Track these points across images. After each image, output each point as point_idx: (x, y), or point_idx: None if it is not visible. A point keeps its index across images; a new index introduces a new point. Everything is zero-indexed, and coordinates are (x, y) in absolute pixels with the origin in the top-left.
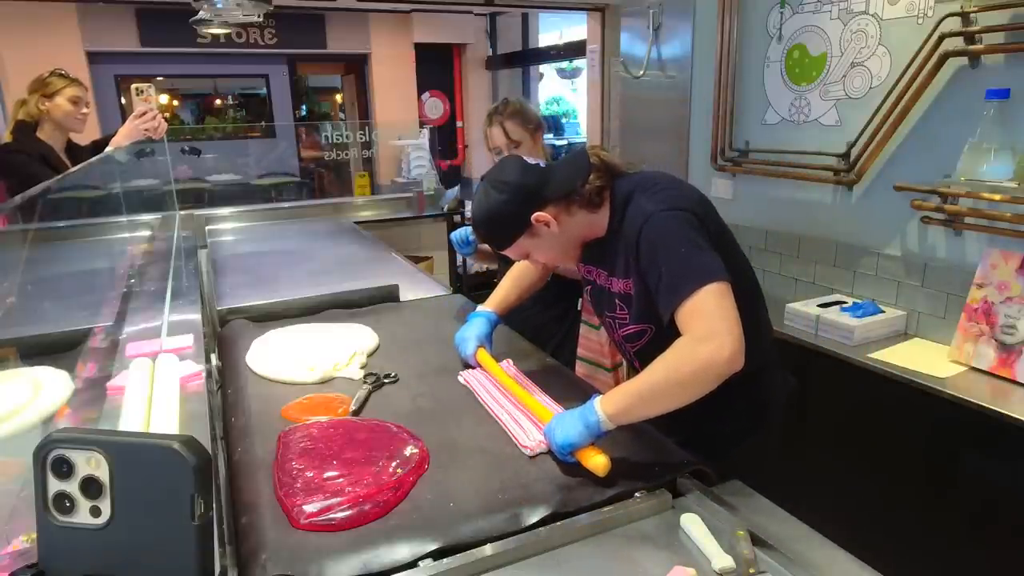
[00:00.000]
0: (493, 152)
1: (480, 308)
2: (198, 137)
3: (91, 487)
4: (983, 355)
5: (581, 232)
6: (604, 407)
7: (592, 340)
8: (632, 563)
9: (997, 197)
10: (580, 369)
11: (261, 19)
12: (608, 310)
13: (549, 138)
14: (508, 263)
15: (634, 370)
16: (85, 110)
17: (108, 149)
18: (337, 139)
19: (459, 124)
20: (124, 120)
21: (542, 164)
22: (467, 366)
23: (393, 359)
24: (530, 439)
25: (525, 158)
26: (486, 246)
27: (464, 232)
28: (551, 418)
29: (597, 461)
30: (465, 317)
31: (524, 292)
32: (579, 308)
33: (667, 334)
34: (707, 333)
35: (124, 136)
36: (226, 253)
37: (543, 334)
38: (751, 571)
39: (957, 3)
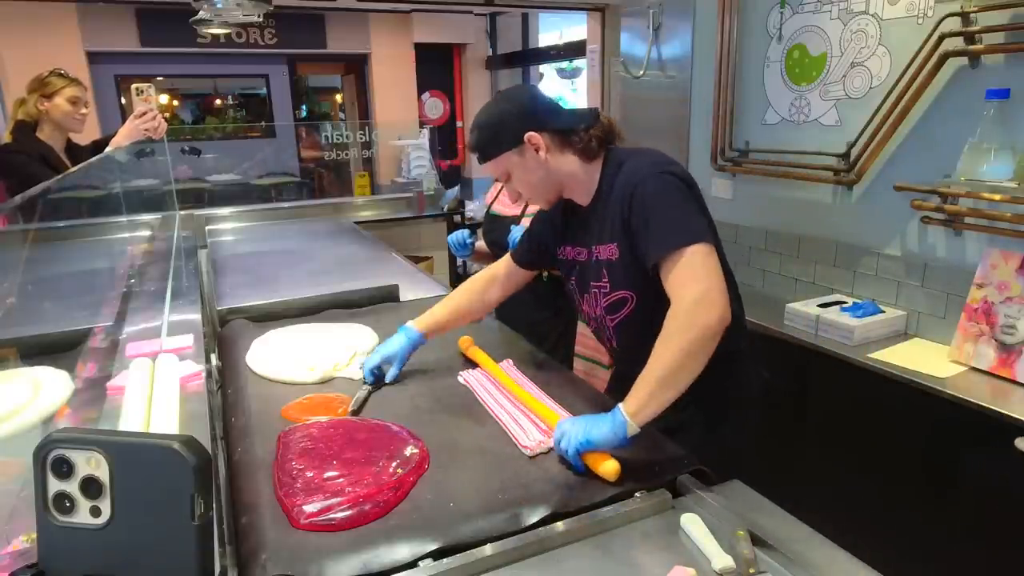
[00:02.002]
0: None
1: (408, 324)
2: (198, 137)
3: (91, 487)
4: (983, 355)
5: (565, 177)
6: (626, 408)
7: (590, 337)
8: (632, 563)
9: (997, 197)
10: (578, 366)
11: (261, 19)
12: (594, 280)
13: None
14: None
15: (614, 350)
16: (84, 110)
17: (108, 149)
18: (337, 139)
19: (459, 124)
20: (124, 120)
21: (555, 100)
22: (470, 365)
23: None
24: (530, 439)
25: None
26: (483, 247)
27: (461, 235)
28: (558, 422)
29: (608, 467)
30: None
31: (459, 319)
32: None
33: (647, 302)
34: (696, 296)
35: (124, 136)
36: (226, 253)
37: (537, 331)
38: (751, 571)
39: (957, 3)
